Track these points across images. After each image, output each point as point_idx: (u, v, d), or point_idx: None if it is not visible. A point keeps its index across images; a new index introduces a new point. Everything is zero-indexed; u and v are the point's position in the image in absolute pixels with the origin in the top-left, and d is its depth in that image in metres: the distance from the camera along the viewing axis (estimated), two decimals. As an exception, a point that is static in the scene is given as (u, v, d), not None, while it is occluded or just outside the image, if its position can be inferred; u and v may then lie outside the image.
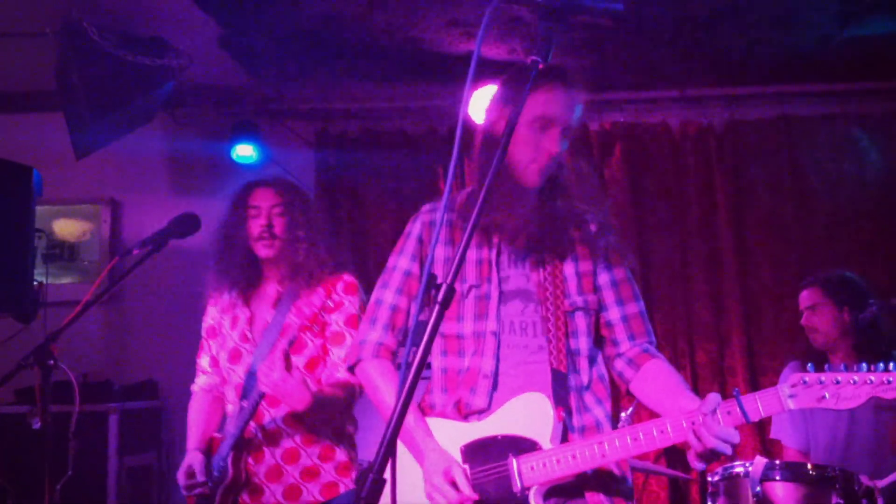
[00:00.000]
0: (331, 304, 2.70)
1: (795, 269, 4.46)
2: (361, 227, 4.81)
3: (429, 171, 4.81)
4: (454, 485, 1.88)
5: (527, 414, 1.93)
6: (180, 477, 2.62)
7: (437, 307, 1.13)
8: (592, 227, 2.12)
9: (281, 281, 2.79)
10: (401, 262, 2.16)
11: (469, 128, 4.79)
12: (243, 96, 4.71)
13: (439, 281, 1.31)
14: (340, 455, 2.69)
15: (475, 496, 1.87)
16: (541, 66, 1.27)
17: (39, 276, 3.79)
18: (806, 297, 3.32)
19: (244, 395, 2.66)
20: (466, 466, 1.92)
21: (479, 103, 4.43)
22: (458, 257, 1.50)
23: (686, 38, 4.20)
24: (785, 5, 3.89)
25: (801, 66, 4.47)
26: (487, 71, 4.38)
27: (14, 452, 3.89)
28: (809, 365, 1.78)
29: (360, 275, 4.76)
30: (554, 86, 2.02)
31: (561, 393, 1.95)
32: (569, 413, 1.97)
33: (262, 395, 2.53)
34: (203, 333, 2.92)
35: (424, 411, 2.08)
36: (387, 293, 2.14)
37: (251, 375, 2.65)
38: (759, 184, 4.66)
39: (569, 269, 2.07)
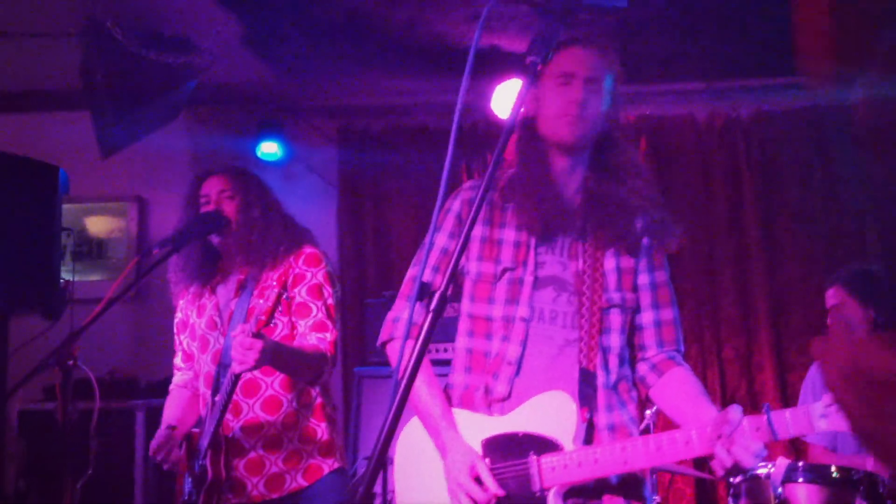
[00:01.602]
0: (293, 279, 2.67)
1: (824, 262, 4.39)
2: (384, 222, 4.80)
3: (452, 166, 4.78)
4: (478, 481, 1.85)
5: (550, 412, 1.89)
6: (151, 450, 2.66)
7: (429, 315, 1.11)
8: (639, 223, 2.04)
9: (242, 266, 2.75)
10: (438, 238, 2.10)
11: (494, 123, 4.79)
12: (267, 93, 4.72)
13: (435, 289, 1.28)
14: (322, 434, 2.66)
15: (501, 492, 1.84)
16: (539, 68, 1.24)
17: (67, 274, 3.83)
18: (830, 296, 3.22)
19: (215, 386, 2.62)
20: (487, 461, 1.89)
21: (503, 98, 4.41)
22: (455, 254, 1.45)
23: (712, 28, 4.14)
24: (813, -6, 3.82)
25: (831, 57, 4.39)
26: (511, 65, 4.36)
27: (41, 450, 3.95)
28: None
29: (382, 268, 4.83)
30: (572, 44, 2.00)
31: (587, 392, 1.91)
32: (595, 411, 1.93)
33: (236, 379, 2.42)
34: (175, 330, 2.90)
35: (446, 391, 2.05)
36: (423, 270, 2.08)
37: (222, 367, 2.62)
38: (788, 176, 4.59)
39: (610, 262, 2.00)
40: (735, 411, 1.75)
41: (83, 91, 3.95)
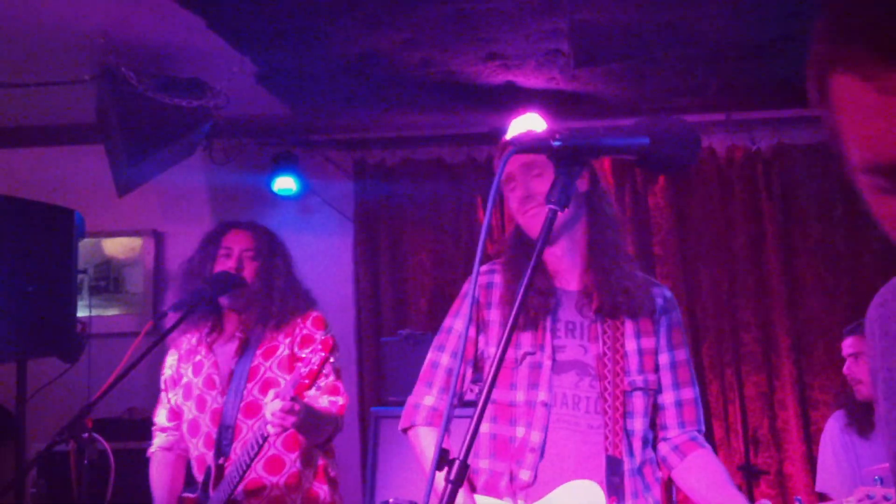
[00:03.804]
0: (301, 339, 2.65)
1: (846, 298, 4.32)
2: (400, 255, 4.78)
3: (467, 199, 4.76)
4: None
5: (579, 502, 1.87)
6: None
7: (448, 487, 1.08)
8: (658, 301, 2.04)
9: (243, 327, 2.71)
10: (457, 324, 2.12)
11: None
12: (282, 128, 4.72)
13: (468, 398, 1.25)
14: (325, 497, 2.65)
15: None
16: (560, 214, 1.22)
17: (84, 310, 3.84)
18: (848, 345, 3.17)
19: (218, 449, 2.59)
20: None
21: (518, 131, 4.37)
22: (496, 359, 1.42)
23: (732, 61, 4.09)
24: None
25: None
26: (526, 99, 4.34)
27: (60, 490, 3.96)
28: (877, 481, 1.70)
29: (398, 303, 4.80)
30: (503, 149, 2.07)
31: (614, 480, 1.89)
32: (622, 499, 1.90)
33: (264, 441, 2.38)
34: (161, 385, 2.84)
35: (470, 477, 2.03)
36: (443, 356, 2.11)
37: (224, 428, 2.59)
38: (809, 210, 4.52)
39: (630, 344, 1.99)
40: None
41: (99, 132, 3.97)
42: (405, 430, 2.13)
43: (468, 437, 1.09)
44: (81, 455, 2.19)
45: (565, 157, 1.20)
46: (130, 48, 3.63)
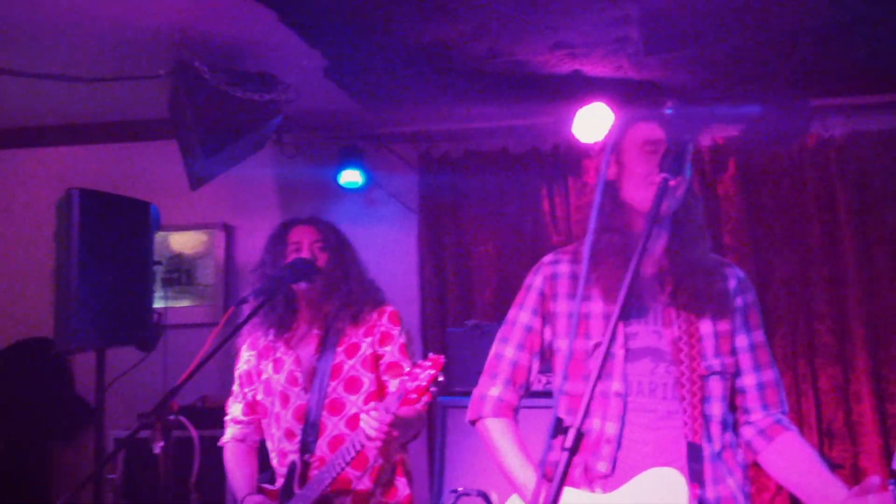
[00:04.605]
0: (380, 336, 2.68)
1: (926, 287, 4.20)
2: (464, 247, 4.79)
3: (532, 190, 4.75)
4: None
5: (659, 490, 1.83)
6: None
7: (565, 455, 1.08)
8: (731, 283, 2.00)
9: (321, 321, 2.74)
10: (521, 316, 2.10)
11: (574, 147, 4.73)
12: (348, 121, 4.77)
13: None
14: (403, 489, 2.69)
15: None
16: (671, 183, 1.20)
17: (159, 302, 3.93)
18: None
19: (304, 446, 2.63)
20: None
21: (585, 122, 4.35)
22: (605, 347, 1.38)
23: (805, 46, 4.00)
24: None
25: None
26: (592, 89, 4.30)
27: (138, 476, 4.07)
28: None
29: (463, 294, 4.81)
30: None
31: (695, 466, 1.85)
32: (703, 486, 1.87)
33: (362, 444, 2.42)
34: (237, 380, 2.88)
35: (547, 471, 2.03)
36: (507, 348, 2.09)
37: (309, 425, 2.63)
38: (884, 197, 4.39)
39: (706, 327, 1.95)
40: (875, 486, 1.66)
41: (172, 127, 4.06)
42: (472, 422, 2.13)
43: (583, 406, 1.10)
44: (168, 438, 2.24)
45: (677, 125, 1.18)
46: (203, 43, 3.70)
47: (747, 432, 1.99)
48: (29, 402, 4.65)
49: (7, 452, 4.32)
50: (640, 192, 1.94)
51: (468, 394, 2.18)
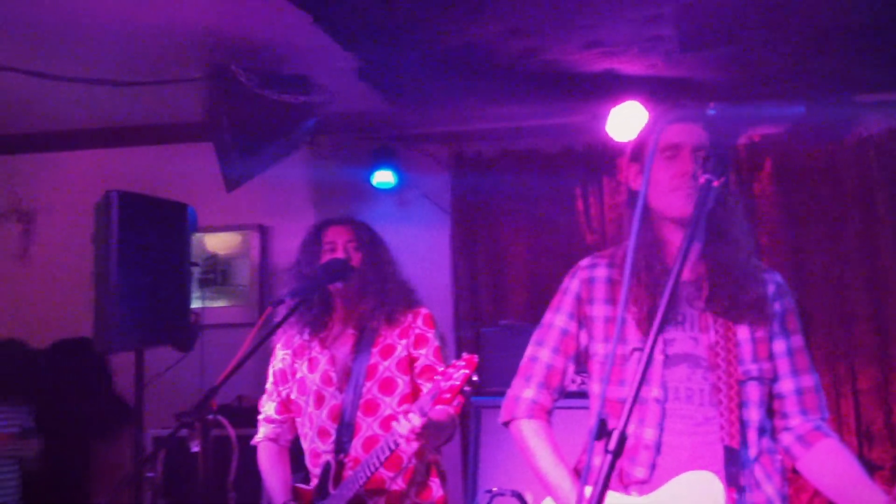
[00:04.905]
0: (415, 339, 2.68)
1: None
2: (497, 247, 4.79)
3: (565, 189, 4.73)
4: None
5: (695, 494, 1.83)
6: None
7: (608, 457, 1.08)
8: (770, 288, 1.98)
9: (356, 321, 2.74)
10: (557, 319, 2.09)
11: (607, 146, 4.70)
12: (381, 122, 4.79)
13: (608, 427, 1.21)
14: (437, 491, 2.69)
15: None
16: (715, 185, 1.19)
17: (196, 302, 3.98)
18: None
19: (338, 446, 2.64)
20: None
21: (618, 120, 4.33)
22: (646, 355, 1.34)
23: (842, 43, 3.94)
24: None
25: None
26: (626, 87, 4.28)
27: (177, 475, 4.11)
28: None
29: (496, 294, 4.81)
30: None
31: (732, 471, 1.83)
32: (740, 492, 1.85)
33: (396, 445, 2.42)
34: (271, 378, 2.88)
35: (578, 469, 2.02)
36: (543, 351, 2.08)
37: (344, 425, 2.64)
38: (925, 196, 4.33)
39: (743, 333, 1.93)
40: None
41: (208, 129, 4.11)
42: (506, 423, 2.12)
43: (626, 410, 1.09)
44: (206, 437, 2.27)
45: (720, 126, 1.17)
46: (239, 46, 3.74)
47: (786, 438, 1.97)
48: (69, 401, 4.73)
49: (48, 451, 4.40)
50: (664, 198, 1.94)
51: (502, 394, 2.17)
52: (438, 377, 2.31)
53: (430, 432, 2.37)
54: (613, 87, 4.24)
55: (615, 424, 1.95)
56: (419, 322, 2.72)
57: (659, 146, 1.91)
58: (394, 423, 2.38)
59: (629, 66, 4.10)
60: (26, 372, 4.34)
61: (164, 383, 3.73)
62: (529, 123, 4.78)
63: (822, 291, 4.35)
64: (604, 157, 4.66)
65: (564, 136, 4.76)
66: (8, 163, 5.23)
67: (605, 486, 1.14)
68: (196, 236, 4.61)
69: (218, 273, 5.04)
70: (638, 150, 2.04)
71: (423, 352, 2.68)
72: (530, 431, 2.05)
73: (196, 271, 4.84)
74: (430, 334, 2.70)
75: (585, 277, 2.07)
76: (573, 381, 2.13)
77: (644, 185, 1.39)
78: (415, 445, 2.39)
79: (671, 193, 1.92)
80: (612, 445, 1.09)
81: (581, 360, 2.09)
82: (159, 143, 5.10)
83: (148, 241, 3.55)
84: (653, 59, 4.02)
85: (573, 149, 4.75)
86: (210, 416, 2.27)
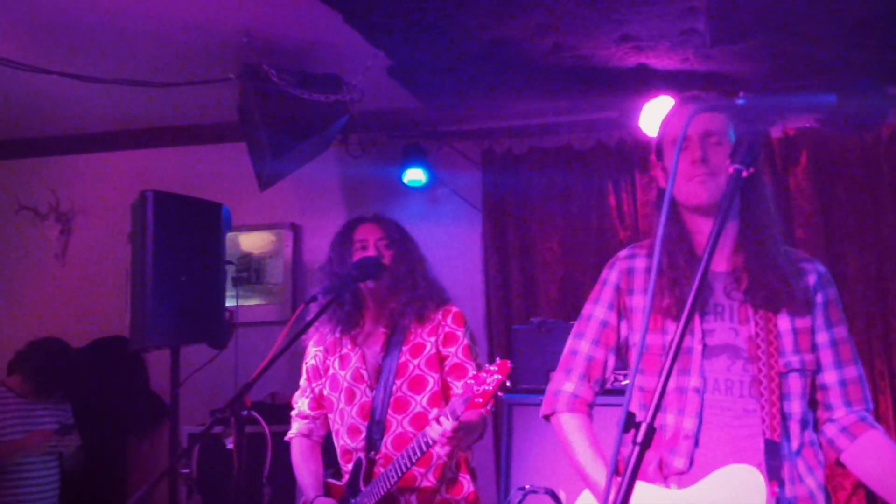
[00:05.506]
0: (444, 337, 2.68)
1: None
2: (528, 244, 4.78)
3: (597, 186, 4.71)
4: None
5: (736, 488, 1.80)
6: None
7: (636, 448, 1.08)
8: (811, 278, 1.96)
9: (387, 319, 2.75)
10: (597, 311, 2.08)
11: (640, 141, 4.67)
12: (412, 120, 4.80)
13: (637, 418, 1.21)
14: (468, 487, 2.69)
15: None
16: (744, 175, 1.18)
17: (230, 300, 4.02)
18: None
19: (369, 443, 2.66)
20: None
21: (651, 115, 4.30)
22: (674, 344, 1.33)
23: (877, 34, 3.88)
24: None
25: None
26: (657, 82, 4.25)
27: (211, 470, 4.17)
28: None
29: (528, 291, 4.80)
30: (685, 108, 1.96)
31: (774, 464, 1.82)
32: (781, 485, 1.83)
33: (428, 445, 2.42)
34: (305, 374, 2.90)
35: (619, 467, 2.01)
36: (583, 343, 2.07)
37: (374, 423, 2.65)
38: (965, 189, 4.25)
39: (784, 323, 1.91)
40: None
41: (241, 128, 4.15)
42: (547, 417, 2.12)
43: (654, 401, 1.09)
44: (241, 433, 2.29)
45: (750, 116, 1.16)
46: (271, 46, 3.78)
47: (830, 430, 1.94)
48: (106, 398, 4.80)
49: (86, 447, 4.47)
50: (683, 188, 1.93)
51: (534, 391, 2.16)
52: (471, 381, 2.31)
53: (462, 435, 2.38)
54: (645, 82, 4.21)
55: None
56: (448, 320, 2.72)
57: (672, 139, 1.92)
58: (427, 428, 2.39)
59: (661, 61, 4.07)
60: (65, 369, 4.41)
61: (198, 380, 3.78)
62: (560, 119, 4.76)
63: (858, 286, 4.29)
64: (636, 153, 4.63)
65: (596, 131, 4.74)
66: (46, 165, 5.33)
67: (634, 478, 1.14)
68: (230, 235, 4.66)
69: (252, 271, 5.09)
70: (658, 146, 2.04)
71: (452, 350, 2.69)
72: (570, 425, 2.04)
73: (230, 270, 4.91)
74: (460, 332, 2.70)
75: (625, 268, 2.06)
76: (614, 378, 2.12)
77: (671, 178, 1.39)
78: (447, 448, 2.38)
79: (687, 183, 1.92)
80: (639, 437, 1.08)
81: (622, 352, 2.08)
82: (194, 144, 5.16)
83: (183, 241, 3.59)
84: (685, 54, 3.99)
85: (605, 144, 4.73)
86: (244, 413, 2.29)
